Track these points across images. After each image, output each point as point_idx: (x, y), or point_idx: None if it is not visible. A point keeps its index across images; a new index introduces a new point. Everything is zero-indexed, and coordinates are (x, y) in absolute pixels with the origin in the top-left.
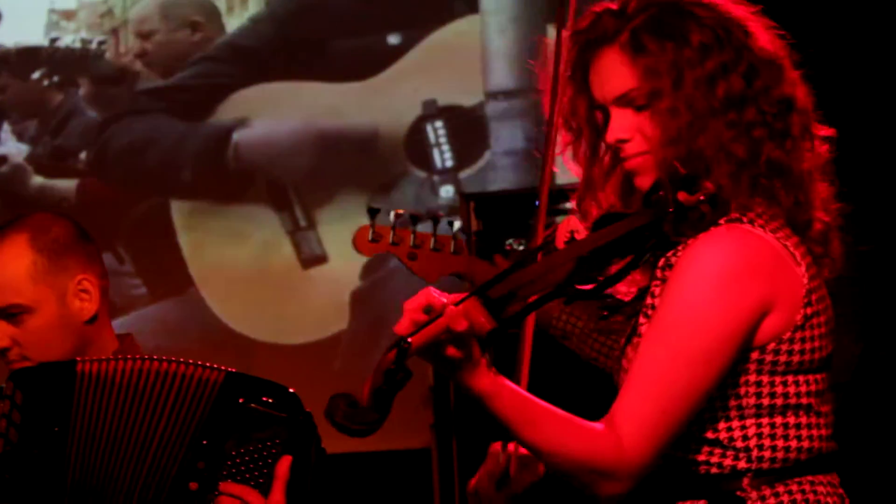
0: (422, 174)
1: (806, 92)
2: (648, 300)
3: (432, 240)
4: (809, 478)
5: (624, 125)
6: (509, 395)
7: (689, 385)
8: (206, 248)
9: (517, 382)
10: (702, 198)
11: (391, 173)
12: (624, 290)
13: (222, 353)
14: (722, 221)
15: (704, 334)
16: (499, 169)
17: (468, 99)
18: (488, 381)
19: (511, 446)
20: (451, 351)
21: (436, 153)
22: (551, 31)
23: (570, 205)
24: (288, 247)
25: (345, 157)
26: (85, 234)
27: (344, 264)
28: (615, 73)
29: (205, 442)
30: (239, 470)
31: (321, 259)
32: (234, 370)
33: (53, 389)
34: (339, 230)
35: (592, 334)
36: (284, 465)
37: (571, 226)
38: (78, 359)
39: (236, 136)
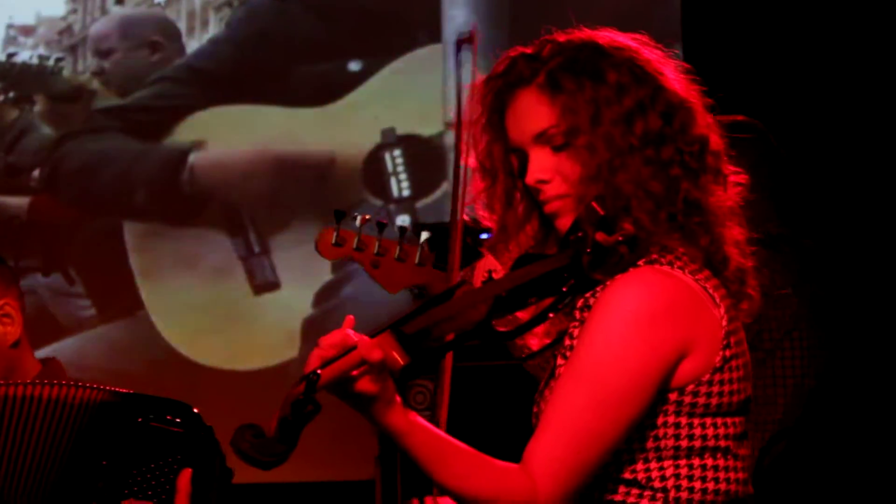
0: (378, 203)
1: (719, 135)
2: (567, 341)
3: (397, 248)
4: None
5: (543, 166)
6: (422, 432)
7: (604, 427)
8: (158, 271)
9: (436, 421)
10: (620, 238)
11: (347, 201)
12: (543, 332)
13: (168, 376)
14: (641, 262)
15: (620, 376)
16: None
17: (428, 128)
18: (401, 419)
19: (428, 500)
20: (363, 386)
21: (393, 182)
22: None
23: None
24: (241, 272)
25: (301, 184)
26: (2, 261)
27: (296, 292)
28: (532, 113)
29: (104, 462)
30: (141, 487)
31: (274, 286)
32: (129, 391)
33: None
34: (293, 257)
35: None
36: (185, 478)
37: (489, 265)
38: None
39: (192, 158)
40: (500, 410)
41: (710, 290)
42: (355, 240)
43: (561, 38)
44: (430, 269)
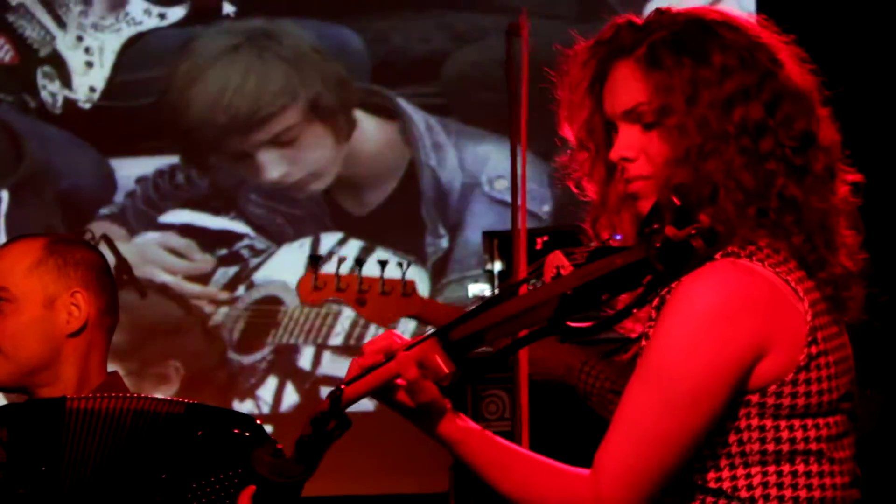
0: None
1: (833, 131)
2: (643, 341)
3: (380, 283)
4: None
5: (630, 143)
6: (478, 440)
7: (673, 430)
8: None
9: (517, 429)
10: (692, 232)
11: None
12: (630, 328)
13: None
14: (718, 256)
15: (690, 377)
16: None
17: None
18: (454, 427)
19: None
20: (402, 398)
21: None
22: None
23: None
24: None
25: None
26: (109, 273)
27: None
28: (626, 87)
29: (164, 476)
30: (200, 502)
31: None
32: (195, 402)
33: (42, 427)
34: None
35: (608, 395)
36: (246, 496)
37: (557, 261)
38: (67, 396)
39: None
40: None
41: (793, 283)
42: (335, 281)
43: (672, 11)
44: (419, 298)
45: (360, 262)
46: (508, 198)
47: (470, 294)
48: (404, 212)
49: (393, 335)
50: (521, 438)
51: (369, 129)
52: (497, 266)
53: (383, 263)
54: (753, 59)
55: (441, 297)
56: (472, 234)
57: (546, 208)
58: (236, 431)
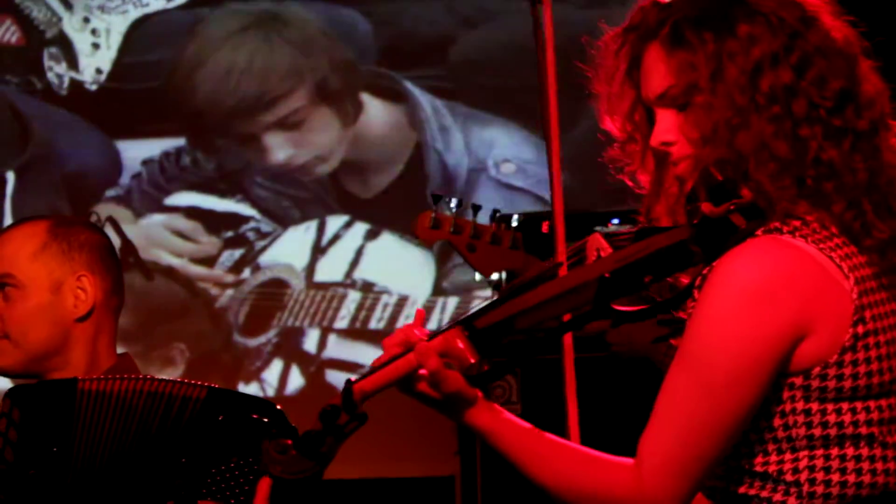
0: None
1: (878, 83)
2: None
3: (492, 233)
4: None
5: (668, 126)
6: (512, 430)
7: (713, 415)
8: None
9: (564, 416)
10: (731, 207)
11: None
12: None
13: None
14: (759, 232)
15: (727, 358)
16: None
17: None
18: (486, 417)
19: None
20: (424, 389)
21: None
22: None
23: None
24: None
25: None
26: (113, 253)
27: None
28: (656, 70)
29: (183, 460)
30: (219, 487)
31: None
32: (217, 386)
33: (53, 408)
34: None
35: None
36: (265, 484)
37: (597, 244)
38: (78, 377)
39: None
40: (631, 403)
41: (837, 260)
42: (451, 223)
43: None
44: (522, 254)
45: (475, 207)
46: (515, 181)
47: (477, 278)
48: (411, 195)
49: (411, 329)
50: (568, 432)
51: (376, 112)
52: None
53: (496, 213)
54: (781, 21)
55: (447, 281)
56: (480, 218)
57: None
58: (255, 417)
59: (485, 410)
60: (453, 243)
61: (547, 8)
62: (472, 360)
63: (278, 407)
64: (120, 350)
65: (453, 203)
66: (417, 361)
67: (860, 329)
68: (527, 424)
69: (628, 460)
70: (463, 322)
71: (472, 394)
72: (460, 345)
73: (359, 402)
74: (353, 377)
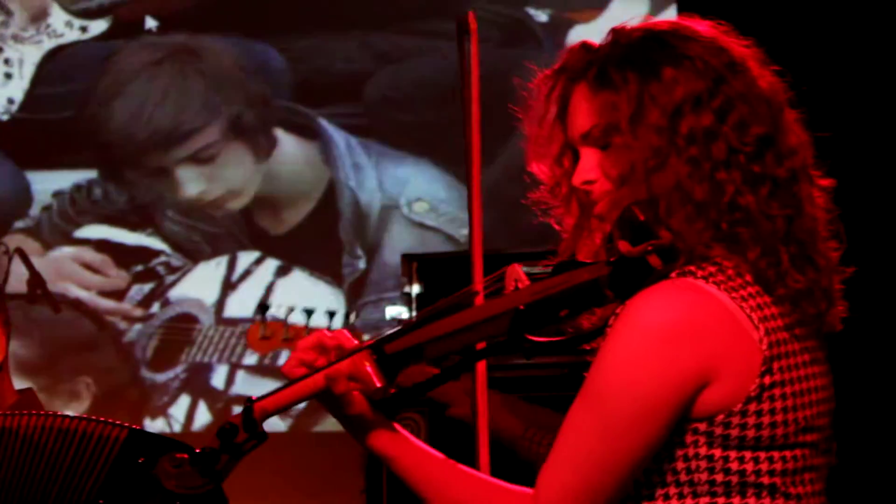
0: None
1: (800, 133)
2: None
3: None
4: None
5: (590, 166)
6: (413, 455)
7: (612, 455)
8: None
9: (475, 450)
10: (648, 248)
11: None
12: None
13: None
14: (673, 275)
15: (627, 400)
16: None
17: None
18: (388, 442)
19: None
20: (332, 407)
21: None
22: None
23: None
24: None
25: None
26: (1, 288)
27: None
28: (580, 110)
29: (101, 502)
30: None
31: None
32: (137, 427)
33: None
34: None
35: None
36: None
37: (515, 275)
38: None
39: None
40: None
41: (748, 311)
42: (283, 330)
43: (627, 28)
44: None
45: (307, 311)
46: (427, 220)
47: (387, 316)
48: (322, 232)
49: (325, 334)
50: (477, 462)
51: (289, 148)
52: (416, 289)
53: (331, 314)
54: (706, 66)
55: (358, 319)
56: (390, 256)
57: (465, 231)
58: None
59: (389, 435)
60: (289, 350)
61: (474, 41)
62: (378, 385)
63: (198, 451)
64: (26, 384)
65: (283, 311)
66: (324, 384)
67: (767, 380)
68: (430, 450)
69: (528, 490)
70: (373, 346)
71: (375, 417)
72: (368, 368)
73: (259, 420)
74: (254, 396)
